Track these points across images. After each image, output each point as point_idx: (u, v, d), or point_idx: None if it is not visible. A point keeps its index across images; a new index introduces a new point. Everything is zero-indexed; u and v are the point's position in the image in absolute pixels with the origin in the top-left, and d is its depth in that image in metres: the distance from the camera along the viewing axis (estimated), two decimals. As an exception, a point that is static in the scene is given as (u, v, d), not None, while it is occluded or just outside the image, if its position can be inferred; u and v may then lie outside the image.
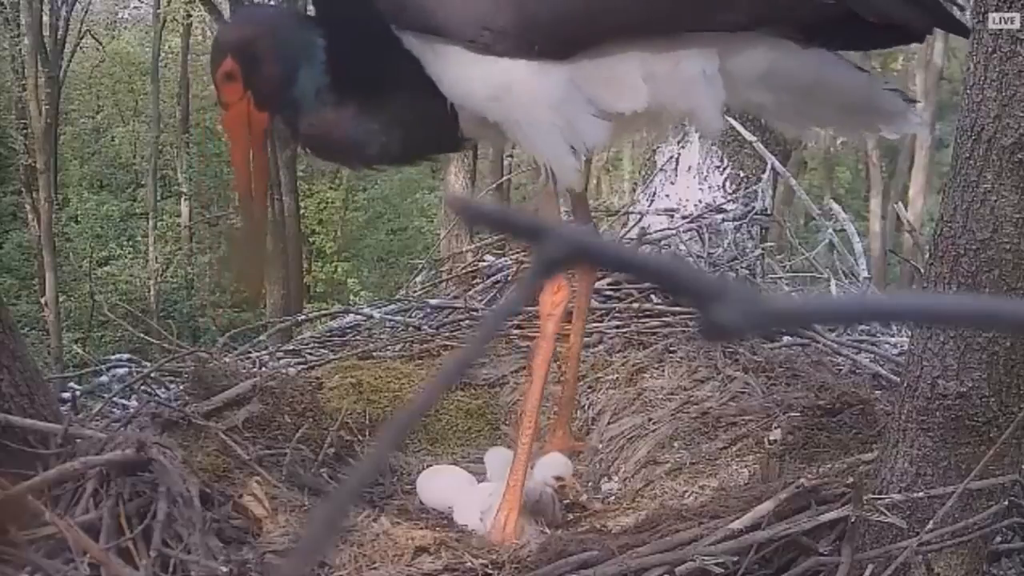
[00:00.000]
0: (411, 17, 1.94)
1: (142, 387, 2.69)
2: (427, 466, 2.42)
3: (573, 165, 2.01)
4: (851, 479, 1.84)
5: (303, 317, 4.11)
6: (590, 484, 2.41)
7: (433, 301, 3.37)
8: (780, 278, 3.68)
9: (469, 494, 2.18)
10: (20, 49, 15.63)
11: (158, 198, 17.48)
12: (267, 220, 2.44)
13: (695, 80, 1.98)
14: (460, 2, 1.94)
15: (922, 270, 2.11)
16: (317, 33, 2.07)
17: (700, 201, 3.79)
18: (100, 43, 20.16)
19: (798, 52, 2.04)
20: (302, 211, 15.95)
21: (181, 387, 2.55)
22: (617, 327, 2.91)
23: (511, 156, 12.54)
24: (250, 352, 3.16)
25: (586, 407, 2.62)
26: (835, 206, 4.11)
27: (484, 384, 2.76)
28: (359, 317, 3.37)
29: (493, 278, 3.50)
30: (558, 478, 2.14)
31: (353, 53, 2.05)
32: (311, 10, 2.20)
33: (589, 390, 2.65)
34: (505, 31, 1.90)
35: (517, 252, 3.56)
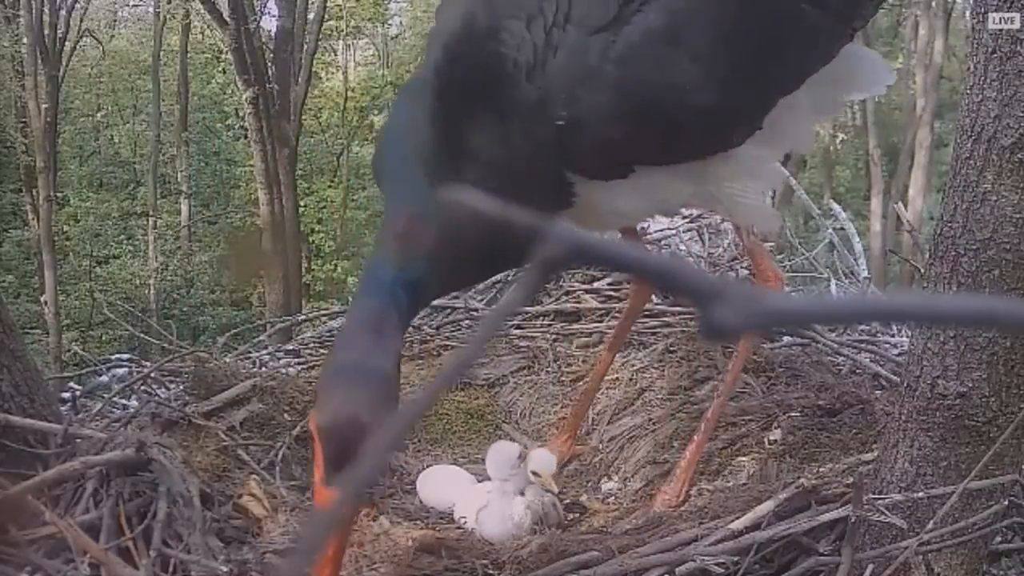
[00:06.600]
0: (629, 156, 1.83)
1: (142, 387, 2.68)
2: (427, 466, 2.42)
3: (771, 214, 2.16)
4: (851, 479, 1.84)
5: (303, 317, 4.10)
6: (590, 484, 2.41)
7: (433, 301, 3.36)
8: (780, 278, 3.68)
9: (469, 494, 2.18)
10: (20, 48, 15.61)
11: (158, 197, 17.45)
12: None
13: None
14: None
15: (922, 270, 2.11)
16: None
17: (700, 201, 3.78)
18: (100, 42, 20.13)
19: None
20: (301, 210, 15.94)
21: (181, 387, 2.55)
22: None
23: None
24: (250, 352, 3.15)
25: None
26: (835, 206, 4.11)
27: (484, 384, 2.76)
28: (359, 317, 3.35)
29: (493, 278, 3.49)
30: (535, 472, 2.13)
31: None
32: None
33: (589, 390, 2.65)
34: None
35: (517, 252, 3.55)
